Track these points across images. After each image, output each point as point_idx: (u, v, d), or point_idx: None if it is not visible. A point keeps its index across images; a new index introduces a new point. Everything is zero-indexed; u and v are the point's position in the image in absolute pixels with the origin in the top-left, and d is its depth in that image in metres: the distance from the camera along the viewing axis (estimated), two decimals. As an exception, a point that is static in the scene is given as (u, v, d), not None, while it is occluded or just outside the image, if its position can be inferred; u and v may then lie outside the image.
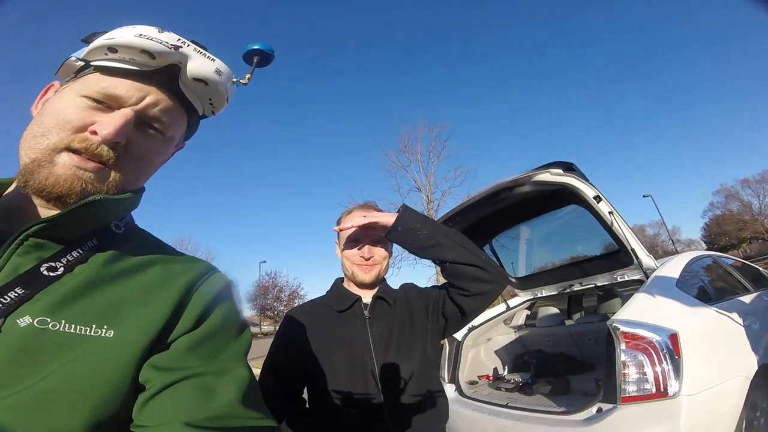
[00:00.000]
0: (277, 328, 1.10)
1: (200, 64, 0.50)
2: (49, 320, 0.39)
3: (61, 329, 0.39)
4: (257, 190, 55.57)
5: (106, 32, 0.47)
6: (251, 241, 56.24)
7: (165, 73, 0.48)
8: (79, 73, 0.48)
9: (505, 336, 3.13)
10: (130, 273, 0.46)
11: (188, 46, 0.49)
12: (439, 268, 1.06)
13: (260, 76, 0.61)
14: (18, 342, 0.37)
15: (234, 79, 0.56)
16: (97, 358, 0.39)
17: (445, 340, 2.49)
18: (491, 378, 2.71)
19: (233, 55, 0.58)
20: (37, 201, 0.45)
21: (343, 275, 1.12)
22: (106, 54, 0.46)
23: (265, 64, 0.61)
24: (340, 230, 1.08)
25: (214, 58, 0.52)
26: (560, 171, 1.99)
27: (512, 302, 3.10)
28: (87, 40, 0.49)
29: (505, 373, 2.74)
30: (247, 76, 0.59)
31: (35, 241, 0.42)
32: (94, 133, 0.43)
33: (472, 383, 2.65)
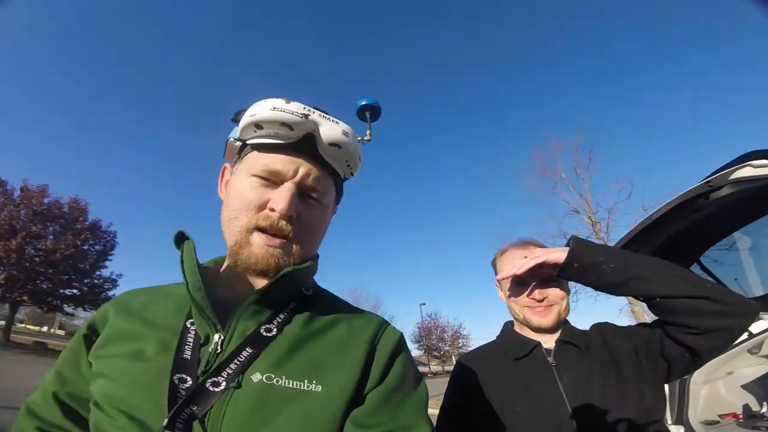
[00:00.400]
0: (444, 368, 1.19)
1: (329, 128, 0.52)
2: (273, 376, 0.43)
3: (283, 384, 0.43)
4: (405, 240, 60.19)
5: (246, 109, 0.52)
6: (408, 284, 59.98)
7: (305, 143, 0.52)
8: (240, 152, 0.55)
9: (754, 368, 2.56)
10: (324, 331, 0.51)
11: (314, 113, 0.52)
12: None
13: (376, 133, 0.63)
14: (255, 396, 0.41)
15: (359, 138, 0.58)
16: (312, 411, 0.42)
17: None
18: (741, 416, 2.29)
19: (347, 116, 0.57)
20: (247, 274, 0.53)
21: (512, 319, 1.04)
22: (255, 131, 0.52)
23: (375, 118, 0.64)
24: (502, 279, 0.97)
25: (338, 120, 0.54)
26: (766, 161, 1.72)
27: (755, 327, 2.56)
28: (235, 119, 0.55)
29: (764, 410, 2.27)
30: (368, 132, 0.62)
31: (254, 308, 0.48)
32: (273, 210, 0.49)
33: (712, 423, 2.30)
